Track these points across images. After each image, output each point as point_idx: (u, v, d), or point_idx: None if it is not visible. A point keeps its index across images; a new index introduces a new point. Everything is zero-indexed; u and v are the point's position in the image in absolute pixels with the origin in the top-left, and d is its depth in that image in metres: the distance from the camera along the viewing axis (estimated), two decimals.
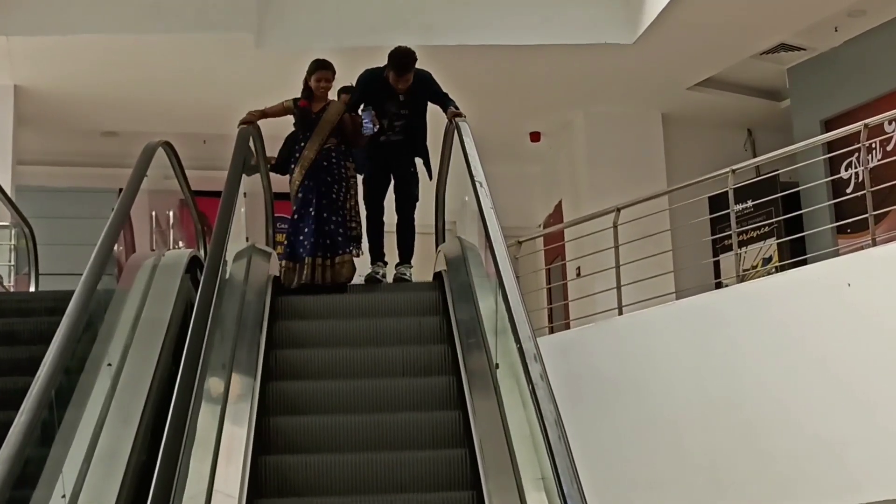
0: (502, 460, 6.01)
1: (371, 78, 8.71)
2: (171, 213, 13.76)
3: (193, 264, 8.26)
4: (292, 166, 8.53)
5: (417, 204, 9.07)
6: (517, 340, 5.75)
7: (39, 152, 14.22)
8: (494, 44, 12.83)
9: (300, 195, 8.35)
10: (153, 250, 10.58)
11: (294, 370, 7.31)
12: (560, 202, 15.20)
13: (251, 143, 8.89)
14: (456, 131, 8.14)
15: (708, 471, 9.03)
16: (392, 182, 8.99)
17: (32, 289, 10.82)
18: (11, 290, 10.40)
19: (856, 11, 12.31)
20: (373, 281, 8.59)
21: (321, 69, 8.58)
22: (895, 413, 8.10)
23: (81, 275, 6.51)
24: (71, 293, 6.28)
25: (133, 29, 12.54)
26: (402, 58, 8.48)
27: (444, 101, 8.69)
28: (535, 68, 13.36)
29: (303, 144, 8.42)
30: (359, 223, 8.68)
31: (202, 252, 9.08)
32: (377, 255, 8.81)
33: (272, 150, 9.26)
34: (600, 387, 9.43)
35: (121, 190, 8.20)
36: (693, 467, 9.12)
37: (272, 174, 9.53)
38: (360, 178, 8.94)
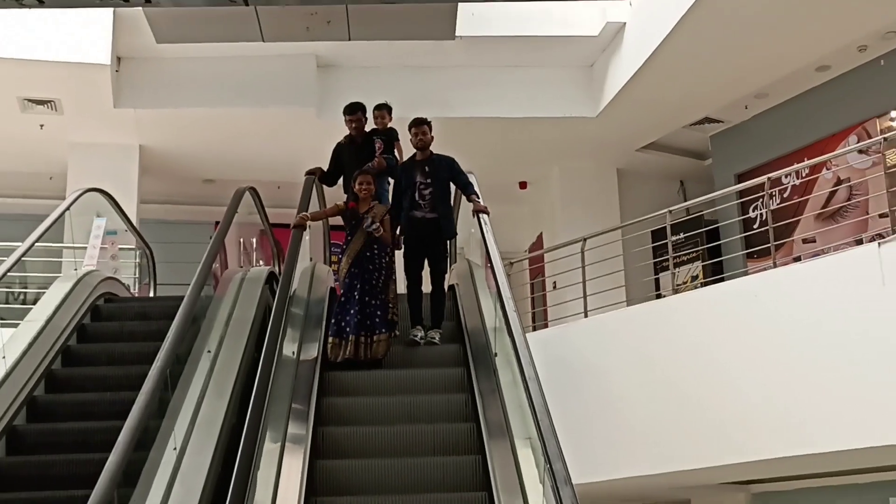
0: (498, 423, 6.01)
1: (405, 164, 8.10)
2: (254, 240, 13.80)
3: (270, 278, 8.30)
4: (341, 256, 7.58)
5: None
6: (510, 335, 5.77)
7: (157, 194, 14.23)
8: (493, 116, 12.90)
9: (347, 280, 7.32)
10: (241, 267, 10.57)
11: None
12: (541, 234, 15.19)
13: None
14: (478, 221, 7.50)
15: (651, 437, 8.99)
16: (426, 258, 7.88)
17: (151, 294, 10.86)
18: (136, 295, 10.41)
19: (760, 94, 12.35)
20: (412, 344, 7.49)
21: (362, 174, 7.70)
22: (788, 388, 8.09)
23: (189, 285, 6.56)
24: (181, 299, 6.32)
25: (225, 104, 12.62)
26: (416, 119, 7.87)
27: (467, 190, 7.86)
28: (523, 134, 13.34)
29: (349, 238, 7.47)
30: (396, 311, 7.50)
31: (277, 269, 9.09)
32: (416, 320, 7.65)
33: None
34: (571, 372, 9.40)
35: (217, 223, 8.25)
36: (640, 434, 9.09)
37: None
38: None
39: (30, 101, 12.29)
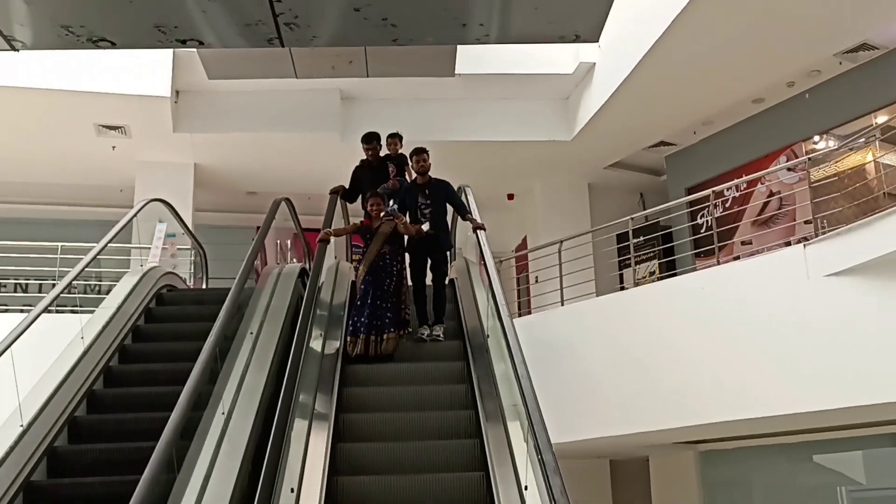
0: (488, 390, 6.04)
1: (408, 187, 7.95)
2: (288, 242, 13.82)
3: (302, 273, 8.31)
4: (359, 265, 7.49)
5: None
6: (499, 320, 5.75)
7: (208, 204, 14.22)
8: (486, 140, 12.91)
9: (362, 287, 7.18)
10: (278, 264, 10.57)
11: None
12: (525, 236, 15.17)
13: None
14: (476, 234, 7.26)
15: (617, 404, 8.99)
16: (429, 262, 7.70)
17: (204, 287, 10.88)
18: (191, 287, 10.42)
19: (707, 121, 12.33)
20: (420, 340, 7.32)
21: (373, 195, 7.55)
22: (729, 364, 8.10)
23: (235, 279, 6.57)
24: (228, 290, 6.33)
25: (265, 129, 12.62)
26: (416, 148, 7.73)
27: (461, 210, 7.68)
28: (511, 154, 13.32)
29: (364, 249, 7.38)
30: (409, 311, 7.38)
31: (307, 265, 9.09)
32: (422, 319, 7.53)
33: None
34: (550, 351, 9.40)
35: (258, 227, 8.25)
36: (608, 402, 9.09)
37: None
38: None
39: (104, 126, 12.31)
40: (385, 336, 6.95)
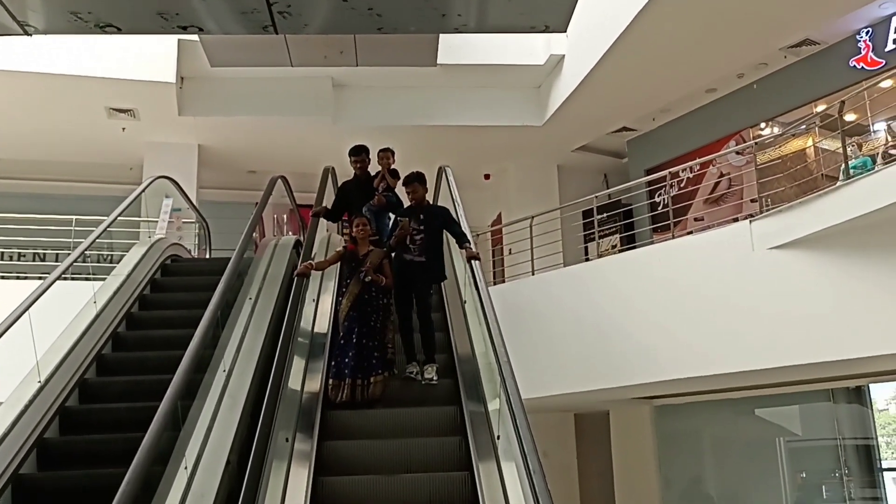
0: (467, 348, 6.04)
1: (406, 209, 6.44)
2: (284, 216, 13.73)
3: (297, 244, 8.24)
4: (341, 298, 5.93)
5: None
6: (476, 288, 5.66)
7: (211, 181, 14.05)
8: (465, 124, 12.81)
9: (346, 323, 5.75)
10: (274, 236, 10.52)
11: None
12: (500, 213, 15.16)
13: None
14: (470, 264, 5.89)
15: (581, 364, 9.02)
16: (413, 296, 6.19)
17: (207, 257, 10.80)
18: (195, 257, 10.35)
19: (665, 109, 12.33)
20: (408, 379, 5.99)
21: (359, 217, 6.26)
22: (681, 327, 8.15)
23: (234, 249, 6.51)
24: (229, 260, 6.27)
25: (264, 113, 12.49)
26: (405, 178, 6.30)
27: (461, 240, 6.16)
28: (487, 138, 13.26)
29: (348, 281, 5.92)
30: (394, 350, 5.96)
31: (302, 237, 9.03)
32: (410, 356, 6.08)
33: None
34: (521, 316, 9.42)
35: (256, 203, 8.16)
36: (573, 361, 9.12)
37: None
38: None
39: (114, 109, 12.16)
40: (372, 379, 5.62)
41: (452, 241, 6.54)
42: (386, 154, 7.36)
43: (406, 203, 6.64)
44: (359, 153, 7.26)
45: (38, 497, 4.63)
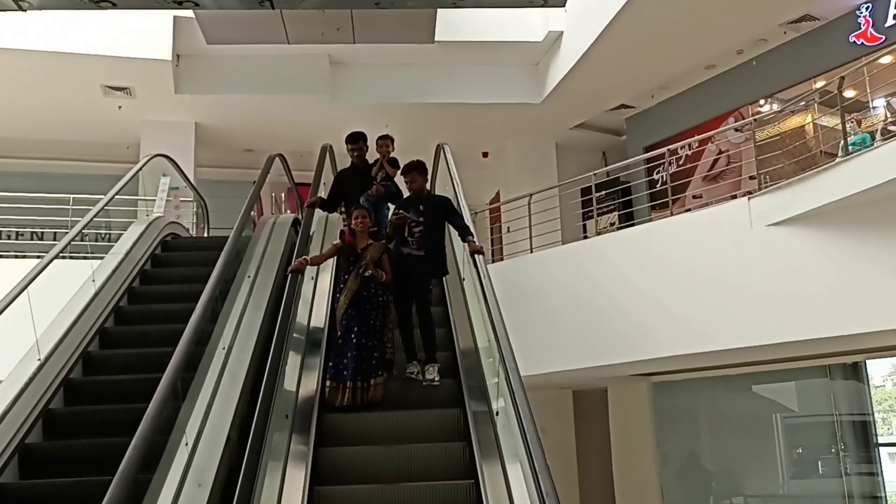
0: (470, 343, 5.95)
1: (404, 200, 6.10)
2: (282, 195, 13.70)
3: (295, 223, 8.21)
4: (338, 295, 5.64)
5: None
6: (475, 267, 5.54)
7: (209, 160, 13.99)
8: (463, 102, 12.75)
9: (344, 322, 5.46)
10: (273, 214, 10.49)
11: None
12: (499, 191, 15.13)
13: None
14: (473, 258, 5.61)
15: (579, 341, 9.03)
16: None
17: (205, 235, 10.78)
18: (193, 235, 10.33)
19: (663, 86, 12.29)
20: (408, 379, 5.69)
21: (358, 209, 5.92)
22: (679, 304, 8.17)
23: (232, 228, 6.49)
24: (227, 238, 6.26)
25: (261, 91, 12.43)
26: (404, 167, 6.01)
27: (464, 233, 5.83)
28: (485, 116, 13.21)
29: (346, 277, 5.62)
30: (393, 350, 5.77)
31: (300, 216, 9.01)
32: (410, 355, 5.77)
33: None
34: (520, 293, 9.41)
35: (254, 182, 8.13)
36: (571, 338, 9.13)
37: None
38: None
39: (110, 87, 12.09)
40: (373, 381, 5.35)
41: (454, 232, 6.26)
42: (385, 142, 7.05)
43: (406, 193, 6.32)
44: (356, 141, 6.95)
45: (45, 465, 4.71)
